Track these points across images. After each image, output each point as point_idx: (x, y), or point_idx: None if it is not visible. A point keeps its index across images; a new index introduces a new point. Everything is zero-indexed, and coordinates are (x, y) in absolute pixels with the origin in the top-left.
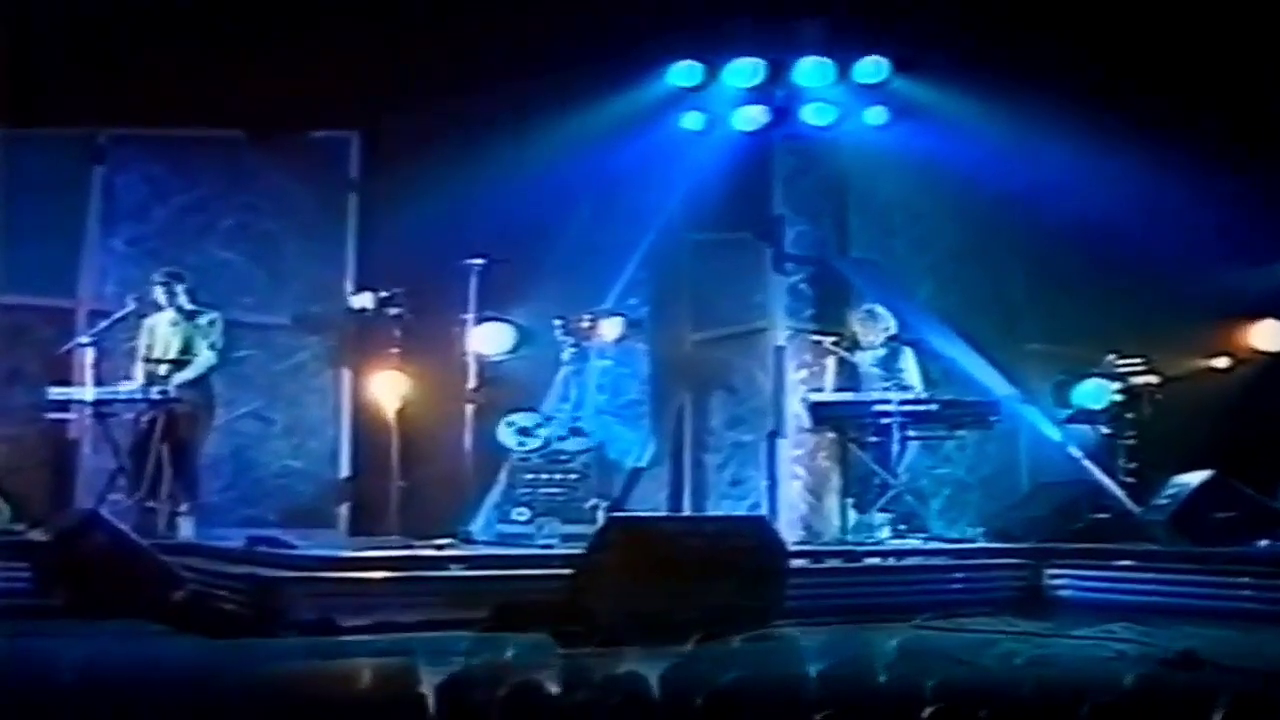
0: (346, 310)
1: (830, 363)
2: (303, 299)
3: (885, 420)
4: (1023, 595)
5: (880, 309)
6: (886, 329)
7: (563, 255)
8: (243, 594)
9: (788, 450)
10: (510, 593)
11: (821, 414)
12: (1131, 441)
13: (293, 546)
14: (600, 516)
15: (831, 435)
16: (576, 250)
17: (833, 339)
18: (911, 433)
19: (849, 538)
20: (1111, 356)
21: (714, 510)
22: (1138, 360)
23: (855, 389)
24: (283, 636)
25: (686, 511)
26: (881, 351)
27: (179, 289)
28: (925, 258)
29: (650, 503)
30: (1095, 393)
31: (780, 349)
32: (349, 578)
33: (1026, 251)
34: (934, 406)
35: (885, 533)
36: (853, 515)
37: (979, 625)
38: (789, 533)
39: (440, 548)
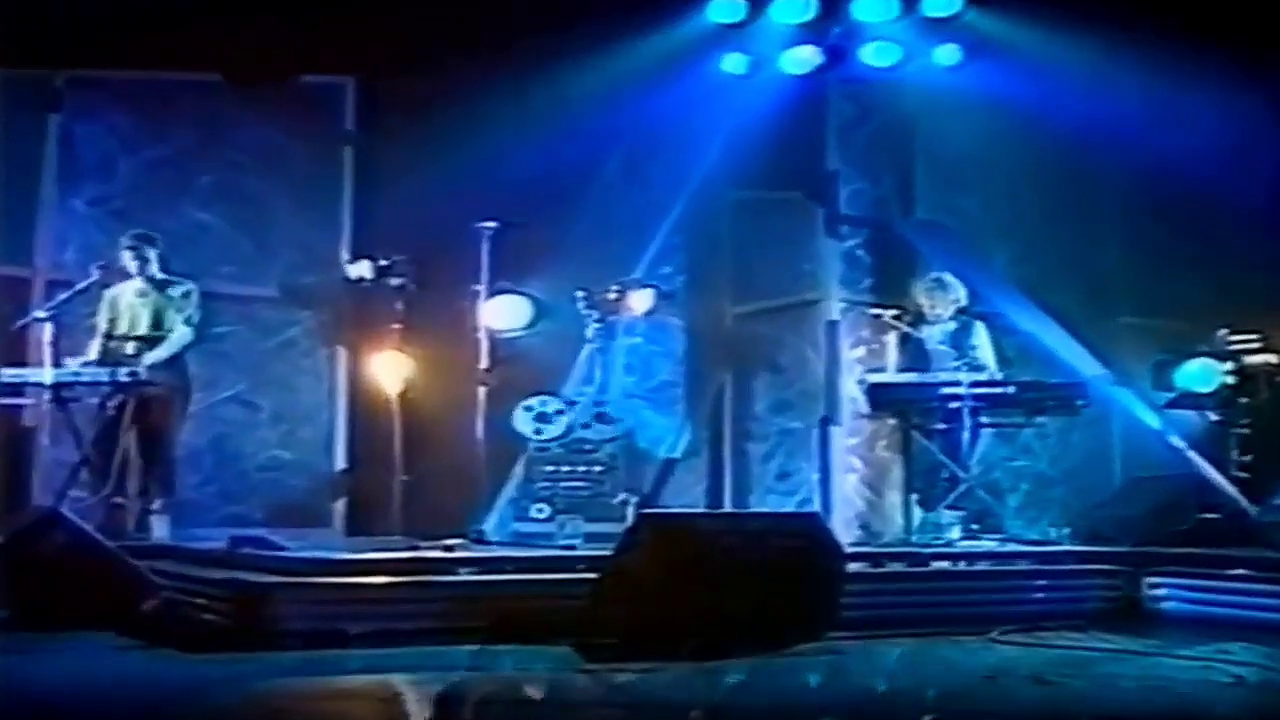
0: (342, 280)
1: (891, 339)
2: (292, 268)
3: (955, 405)
4: (1116, 607)
5: (949, 278)
6: (956, 300)
7: (586, 218)
8: (224, 602)
9: (842, 439)
10: (525, 599)
11: (881, 397)
12: (1245, 430)
13: (282, 548)
14: (629, 513)
15: (893, 421)
16: (602, 212)
17: (894, 312)
18: (985, 419)
19: (913, 538)
20: (1222, 332)
21: (758, 506)
22: (1253, 336)
23: (920, 369)
24: (270, 650)
25: (727, 508)
26: (951, 326)
27: (151, 254)
28: (1002, 218)
29: (686, 498)
30: (1202, 374)
31: (834, 324)
32: (346, 583)
33: (1122, 210)
34: (1011, 389)
35: (955, 533)
36: (918, 513)
37: (1066, 641)
38: (844, 532)
39: (449, 549)
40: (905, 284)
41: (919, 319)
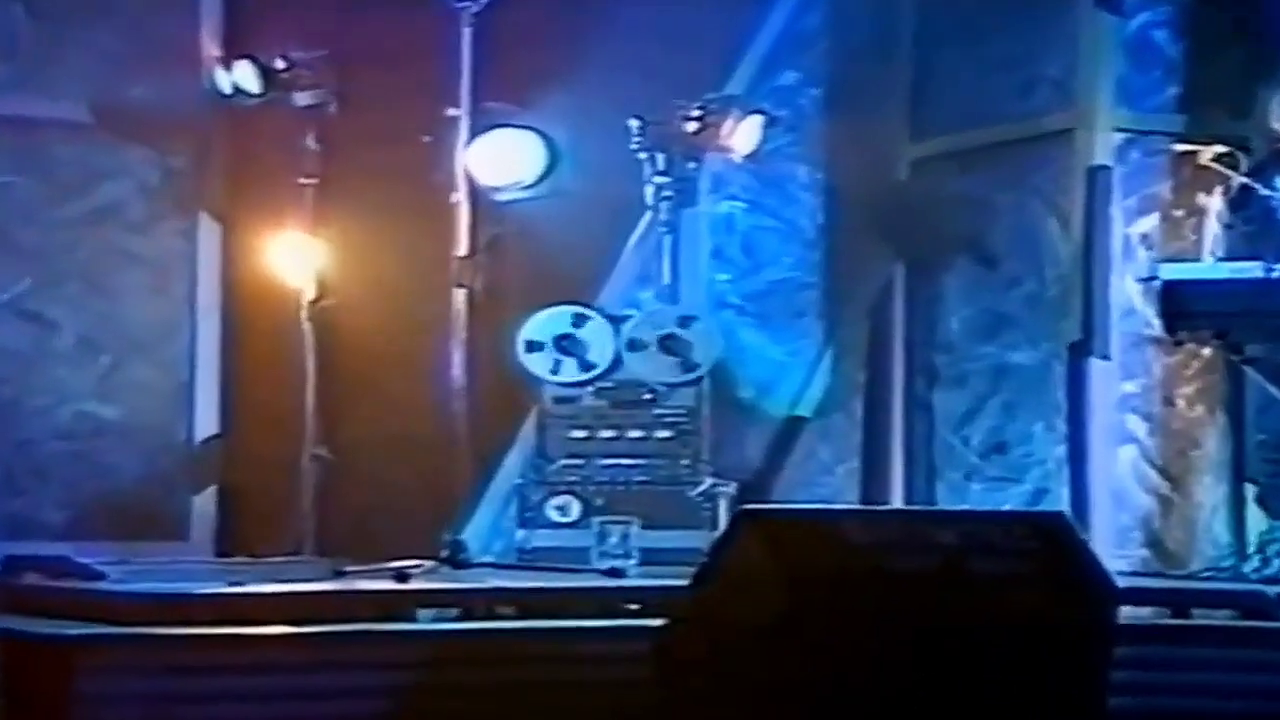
0: (213, 94)
1: (1214, 200)
2: (114, 72)
3: None
4: None
5: None
6: None
7: None
8: None
9: (1112, 382)
10: (537, 663)
11: (1189, 307)
12: None
13: (99, 576)
14: (721, 512)
15: (1208, 352)
16: None
17: (1220, 149)
18: None
19: (1249, 568)
20: None
21: (954, 502)
22: None
23: (1267, 256)
24: None
25: (896, 504)
26: None
27: None
28: None
29: (821, 488)
30: None
31: (1100, 172)
32: (213, 637)
33: None
34: None
35: None
36: (1258, 518)
37: None
38: (1114, 551)
39: (402, 577)
40: (1247, 95)
41: (1270, 161)
